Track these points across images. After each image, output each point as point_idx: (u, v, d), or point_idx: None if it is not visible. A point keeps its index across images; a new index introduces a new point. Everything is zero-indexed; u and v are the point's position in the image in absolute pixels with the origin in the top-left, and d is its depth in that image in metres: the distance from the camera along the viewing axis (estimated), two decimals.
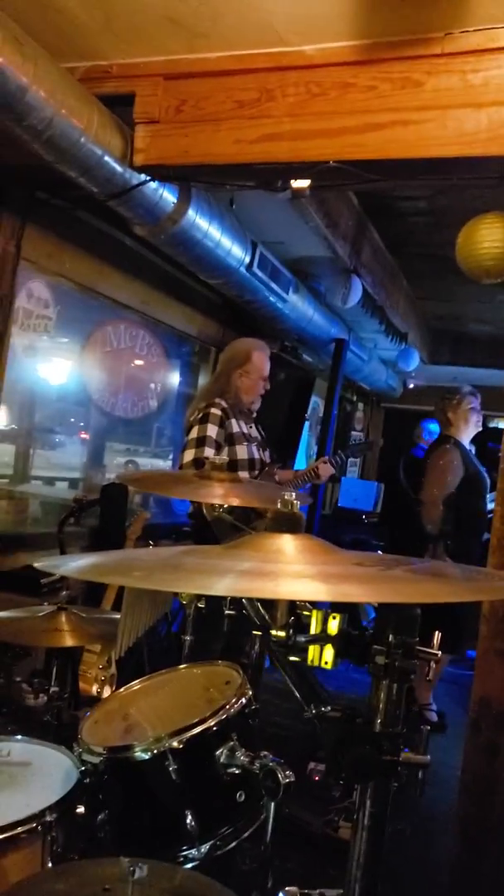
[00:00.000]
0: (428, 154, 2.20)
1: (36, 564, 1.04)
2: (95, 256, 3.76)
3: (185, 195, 2.97)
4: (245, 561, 0.98)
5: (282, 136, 2.34)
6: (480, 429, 3.94)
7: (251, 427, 3.21)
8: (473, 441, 3.95)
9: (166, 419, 5.08)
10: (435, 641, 1.07)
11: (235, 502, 1.97)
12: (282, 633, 1.07)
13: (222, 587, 0.89)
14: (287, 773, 1.27)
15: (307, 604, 1.16)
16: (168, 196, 2.87)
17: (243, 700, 1.47)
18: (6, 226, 3.12)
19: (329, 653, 1.09)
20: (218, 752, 1.37)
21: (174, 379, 5.03)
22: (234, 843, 1.36)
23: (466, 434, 3.86)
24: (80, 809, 1.32)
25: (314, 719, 1.08)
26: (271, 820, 1.38)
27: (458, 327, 6.81)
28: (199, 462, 2.92)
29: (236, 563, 0.97)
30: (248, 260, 3.65)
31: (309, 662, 1.10)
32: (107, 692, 2.65)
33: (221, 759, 1.36)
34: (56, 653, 2.08)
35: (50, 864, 1.23)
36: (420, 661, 1.07)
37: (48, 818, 1.24)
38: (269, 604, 1.17)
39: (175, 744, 1.36)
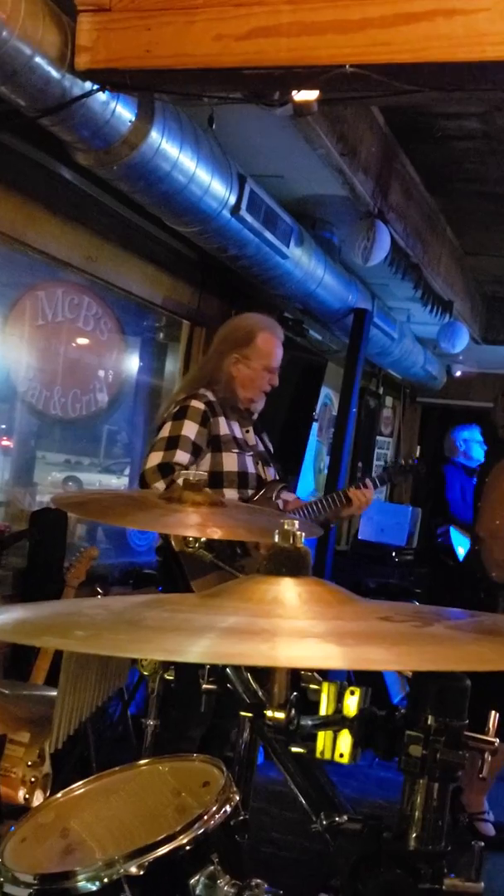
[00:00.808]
0: (481, 56, 2.22)
1: None
2: (21, 196, 3.75)
3: (147, 111, 2.98)
4: (230, 615, 0.98)
5: (280, 31, 2.36)
6: None
7: (248, 432, 3.22)
8: None
9: (121, 420, 5.09)
10: (491, 724, 1.08)
11: (217, 535, 1.98)
12: (280, 715, 1.07)
13: (198, 651, 0.90)
14: None
15: (315, 674, 1.16)
16: (123, 112, 2.88)
17: (227, 808, 1.46)
18: None
19: (345, 742, 1.09)
20: (193, 881, 1.36)
21: (132, 364, 5.03)
22: None
23: None
24: None
25: (325, 833, 1.08)
26: None
27: None
28: (166, 468, 2.92)
29: (217, 618, 0.97)
30: (233, 200, 3.67)
31: (318, 755, 1.11)
32: (38, 799, 2.64)
33: (197, 891, 1.36)
34: None
35: None
36: (470, 752, 1.07)
37: None
38: (264, 674, 1.17)
39: (133, 869, 1.35)
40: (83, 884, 1.38)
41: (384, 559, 6.84)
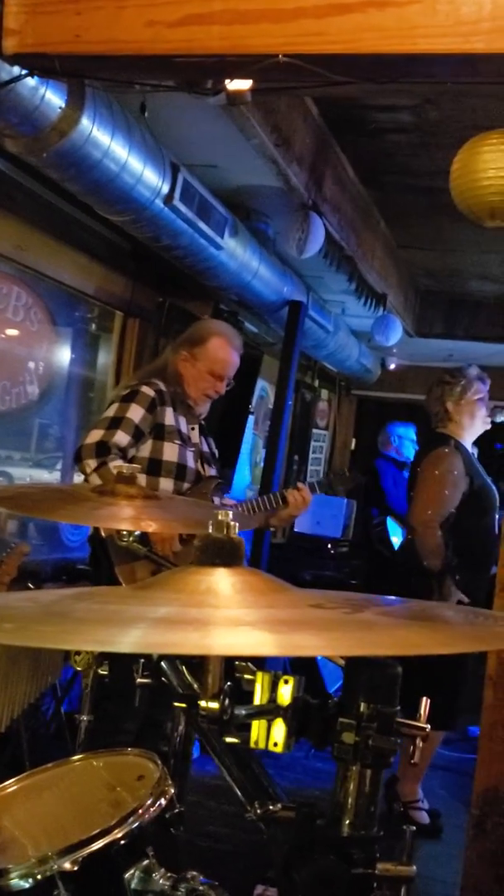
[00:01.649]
0: (413, 48, 2.25)
1: None
2: None
3: (78, 97, 2.95)
4: (162, 605, 0.98)
5: (213, 18, 2.36)
6: (489, 426, 4.02)
7: (193, 429, 3.26)
8: (475, 442, 4.04)
9: (52, 412, 5.02)
10: (422, 711, 1.10)
11: (151, 528, 1.97)
12: (214, 705, 1.07)
13: (129, 642, 0.89)
14: None
15: (248, 664, 1.17)
16: (52, 98, 2.85)
17: (162, 801, 1.47)
18: None
19: (279, 730, 1.10)
20: (128, 875, 1.36)
21: (63, 355, 4.98)
22: None
23: (471, 433, 3.93)
24: None
25: (259, 822, 1.09)
26: None
27: (455, 287, 6.97)
28: (102, 448, 2.96)
29: (149, 609, 0.97)
30: (166, 190, 3.65)
31: (252, 745, 1.12)
32: None
33: (133, 885, 1.36)
34: None
35: None
36: (403, 738, 1.09)
37: None
38: (198, 667, 1.17)
39: (67, 865, 1.35)
40: (16, 881, 1.37)
41: (320, 551, 6.90)
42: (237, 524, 1.11)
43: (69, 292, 4.72)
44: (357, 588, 6.23)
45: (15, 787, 1.68)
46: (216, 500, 3.21)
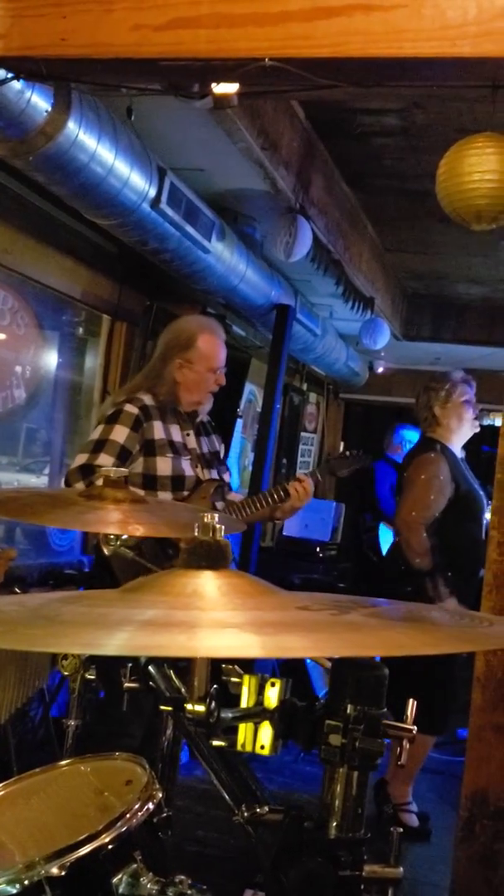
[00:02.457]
0: (399, 52, 2.26)
1: None
2: None
3: (64, 101, 2.95)
4: (148, 608, 0.99)
5: (199, 22, 2.36)
6: (478, 429, 4.03)
7: (188, 435, 3.22)
8: (464, 445, 4.05)
9: (40, 417, 5.01)
10: (409, 712, 1.10)
11: (139, 532, 1.97)
12: (200, 708, 1.07)
13: (115, 644, 0.89)
14: None
15: (235, 667, 1.17)
16: (38, 101, 2.85)
17: (150, 805, 1.46)
18: None
19: (266, 733, 1.10)
20: (115, 880, 1.36)
21: (50, 359, 4.97)
22: None
23: (459, 437, 3.95)
24: None
25: (246, 825, 1.09)
26: None
27: (442, 290, 7.00)
28: (87, 470, 2.95)
29: (136, 612, 0.98)
30: (153, 193, 3.65)
31: (239, 748, 1.12)
32: None
33: (120, 889, 1.35)
34: None
35: None
36: (392, 739, 1.09)
37: None
38: (186, 671, 1.17)
39: (55, 870, 1.34)
40: (3, 887, 1.36)
41: (308, 555, 6.91)
42: (240, 519, 1.12)
43: (56, 296, 4.71)
44: (345, 591, 6.24)
45: (2, 793, 1.67)
46: (219, 504, 3.20)
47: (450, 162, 2.81)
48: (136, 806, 1.45)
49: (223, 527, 1.12)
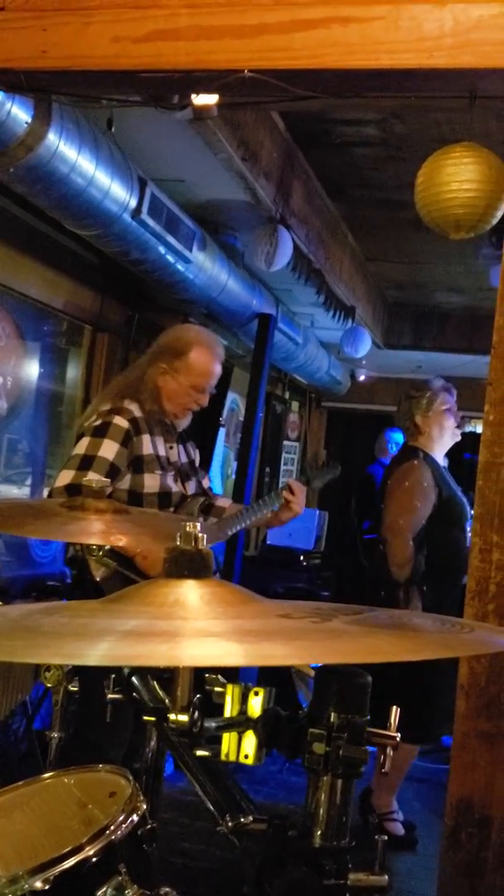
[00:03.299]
0: (376, 63, 2.28)
1: None
2: None
3: (44, 113, 2.95)
4: (130, 618, 0.98)
5: (178, 34, 2.37)
6: (459, 438, 4.04)
7: (171, 448, 3.05)
8: (447, 453, 4.07)
9: (21, 427, 5.00)
10: (392, 720, 1.10)
11: (121, 542, 1.97)
12: (183, 718, 1.07)
13: (97, 655, 0.89)
14: None
15: (218, 676, 1.17)
16: (19, 113, 2.85)
17: (134, 818, 1.46)
18: None
19: (250, 743, 1.10)
20: (100, 893, 1.35)
21: (32, 370, 4.96)
22: None
23: (441, 445, 3.96)
24: None
25: (231, 835, 1.09)
26: None
27: (422, 299, 7.04)
28: (74, 490, 2.71)
29: (117, 622, 0.97)
30: (134, 204, 3.66)
31: (223, 757, 1.11)
32: None
33: None
34: None
35: None
36: (376, 747, 1.09)
37: None
38: (170, 682, 1.17)
39: (38, 884, 1.33)
40: None
41: (292, 563, 6.90)
42: (233, 529, 1.12)
43: (37, 307, 4.70)
44: (329, 600, 6.23)
45: None
46: (202, 518, 3.08)
47: (428, 172, 2.83)
48: (121, 818, 1.44)
49: (205, 537, 1.12)
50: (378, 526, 3.99)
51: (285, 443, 8.67)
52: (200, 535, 1.11)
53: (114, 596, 1.10)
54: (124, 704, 1.40)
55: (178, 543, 1.11)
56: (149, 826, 1.50)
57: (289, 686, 4.73)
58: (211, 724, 1.10)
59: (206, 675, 1.22)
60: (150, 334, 4.55)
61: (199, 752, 1.15)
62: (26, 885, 1.34)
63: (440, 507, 3.83)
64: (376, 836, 1.09)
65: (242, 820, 1.09)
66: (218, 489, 7.04)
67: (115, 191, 3.50)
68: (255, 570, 6.47)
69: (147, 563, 2.68)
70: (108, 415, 2.89)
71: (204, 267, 4.48)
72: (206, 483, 3.24)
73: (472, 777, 2.25)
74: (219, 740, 1.12)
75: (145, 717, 1.23)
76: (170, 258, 4.16)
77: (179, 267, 4.28)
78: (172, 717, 1.08)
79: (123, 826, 1.44)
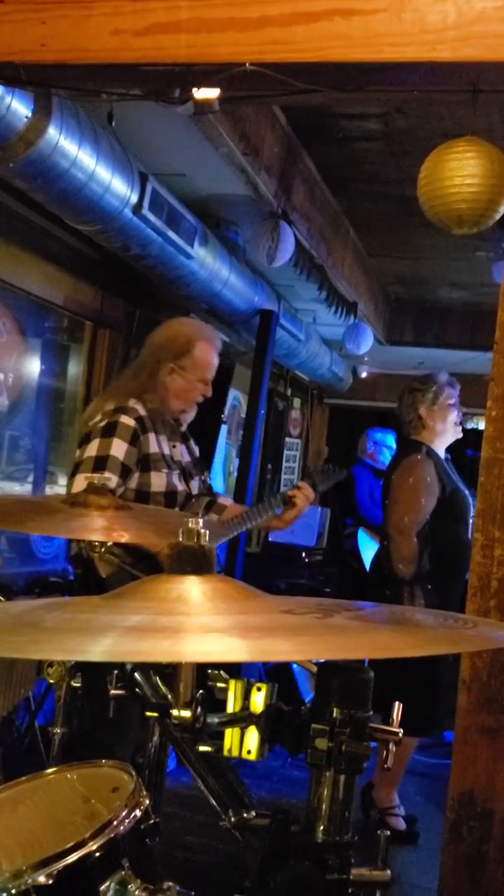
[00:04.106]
0: (379, 57, 2.27)
1: None
2: None
3: (44, 107, 2.95)
4: (133, 614, 0.98)
5: (179, 27, 2.37)
6: (461, 434, 4.04)
7: (175, 447, 3.06)
8: (449, 448, 4.06)
9: (22, 424, 5.00)
10: (395, 715, 1.10)
11: (124, 538, 1.97)
12: (186, 714, 1.07)
13: (99, 651, 0.89)
14: None
15: (221, 672, 1.17)
16: (18, 107, 2.85)
17: (137, 812, 1.46)
18: None
19: (253, 738, 1.10)
20: (103, 887, 1.35)
21: (33, 366, 4.96)
22: None
23: (443, 439, 3.95)
24: None
25: (234, 830, 1.09)
26: None
27: (425, 294, 7.03)
28: None
29: (120, 618, 0.97)
30: (135, 199, 3.65)
31: (225, 753, 1.12)
32: None
33: None
34: None
35: None
36: (378, 742, 1.10)
37: None
38: (173, 678, 1.17)
39: (42, 879, 1.33)
40: None
41: (294, 560, 6.91)
42: (237, 530, 1.12)
43: (38, 303, 4.70)
44: (331, 596, 6.24)
45: None
46: (211, 516, 3.09)
47: (431, 166, 2.82)
48: (124, 813, 1.44)
49: (207, 532, 1.12)
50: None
51: (287, 440, 8.67)
52: (203, 531, 1.11)
53: (116, 592, 1.10)
54: (132, 703, 1.40)
55: (181, 539, 1.11)
56: (151, 821, 1.50)
57: (291, 681, 4.74)
58: (213, 719, 1.10)
59: (209, 671, 1.22)
60: (151, 330, 4.55)
61: (202, 748, 1.15)
62: (30, 880, 1.34)
63: (443, 502, 3.83)
64: (378, 831, 1.09)
65: (245, 815, 1.09)
66: (219, 487, 7.04)
67: (116, 186, 3.49)
68: (257, 567, 6.48)
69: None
70: (114, 414, 2.90)
71: (205, 262, 4.48)
72: (206, 480, 3.25)
73: (473, 771, 2.25)
74: (221, 736, 1.12)
75: (148, 713, 1.23)
76: (171, 253, 4.16)
77: (181, 262, 4.28)
78: (175, 712, 1.08)
79: (126, 821, 1.44)
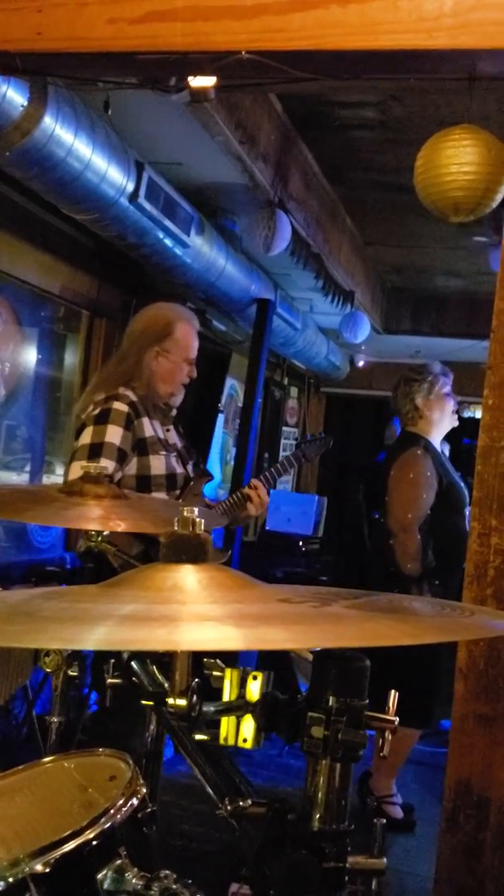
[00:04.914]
0: (375, 44, 2.26)
1: None
2: None
3: (40, 95, 2.94)
4: (128, 603, 0.98)
5: (175, 15, 2.36)
6: (457, 423, 4.03)
7: (168, 430, 3.08)
8: (446, 438, 4.06)
9: (19, 413, 4.99)
10: (391, 703, 1.10)
11: (121, 528, 1.96)
12: (182, 702, 1.07)
13: (95, 639, 0.89)
14: None
15: (217, 661, 1.17)
16: (14, 96, 2.84)
17: (134, 801, 1.46)
18: None
19: (249, 727, 1.10)
20: (100, 876, 1.36)
21: (30, 356, 4.95)
22: None
23: (440, 428, 3.95)
24: None
25: (230, 819, 1.09)
26: None
27: (421, 283, 7.01)
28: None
29: (116, 607, 0.97)
30: (131, 188, 3.64)
31: (221, 741, 1.12)
32: None
33: (105, 885, 1.35)
34: None
35: None
36: (375, 730, 1.10)
37: None
38: (169, 665, 1.17)
39: (39, 867, 1.33)
40: None
41: (291, 549, 6.92)
42: (203, 520, 1.11)
43: (35, 292, 4.69)
44: (328, 585, 6.24)
45: None
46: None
47: (427, 154, 2.81)
48: (121, 802, 1.45)
49: (203, 521, 1.12)
50: (385, 517, 3.95)
51: (284, 428, 8.67)
52: (198, 519, 1.11)
53: (112, 581, 1.10)
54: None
55: (176, 528, 1.11)
56: (148, 809, 1.50)
57: (288, 670, 4.75)
58: (209, 708, 1.10)
59: (205, 660, 1.22)
60: (139, 311, 4.52)
61: (198, 736, 1.15)
62: (27, 868, 1.34)
63: (441, 495, 3.83)
64: (375, 819, 1.09)
65: (241, 803, 1.09)
66: (217, 476, 7.04)
67: (112, 174, 3.48)
68: (253, 556, 6.49)
69: None
70: (106, 402, 2.90)
71: (202, 251, 4.47)
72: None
73: (470, 759, 2.26)
74: (217, 724, 1.12)
75: (144, 702, 1.23)
76: (167, 242, 4.15)
77: (177, 251, 4.27)
78: (171, 701, 1.08)
79: (123, 810, 1.44)
